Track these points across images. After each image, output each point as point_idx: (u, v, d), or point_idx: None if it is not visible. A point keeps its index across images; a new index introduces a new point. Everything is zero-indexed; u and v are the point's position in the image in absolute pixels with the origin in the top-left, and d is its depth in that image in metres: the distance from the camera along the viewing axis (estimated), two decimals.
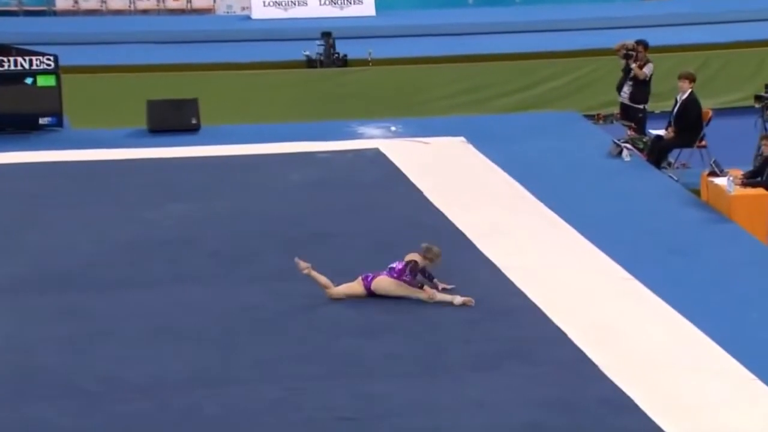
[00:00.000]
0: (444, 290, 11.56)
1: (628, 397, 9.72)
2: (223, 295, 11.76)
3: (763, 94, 16.13)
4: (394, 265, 11.52)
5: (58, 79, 17.57)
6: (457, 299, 11.34)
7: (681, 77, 16.50)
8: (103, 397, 9.74)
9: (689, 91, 16.36)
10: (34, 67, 17.50)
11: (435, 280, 11.61)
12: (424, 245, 11.57)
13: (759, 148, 15.17)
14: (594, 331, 10.95)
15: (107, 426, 9.32)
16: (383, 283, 11.46)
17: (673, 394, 9.81)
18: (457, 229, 13.53)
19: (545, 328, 11.01)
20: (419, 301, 11.37)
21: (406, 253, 11.55)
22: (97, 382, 10.00)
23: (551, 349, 10.62)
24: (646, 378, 10.07)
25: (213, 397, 9.73)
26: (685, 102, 16.37)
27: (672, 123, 16.45)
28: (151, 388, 9.90)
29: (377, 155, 16.60)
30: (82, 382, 9.99)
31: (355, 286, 11.52)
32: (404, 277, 11.43)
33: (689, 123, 16.30)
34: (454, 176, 15.74)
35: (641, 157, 16.44)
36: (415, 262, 11.45)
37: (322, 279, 11.50)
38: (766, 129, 15.51)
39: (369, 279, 11.51)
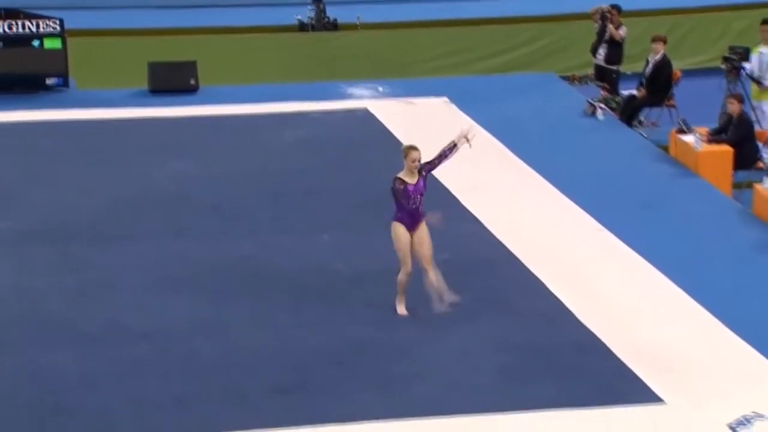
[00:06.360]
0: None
1: (601, 342, 9.75)
2: (220, 248, 11.71)
3: (728, 55, 16.03)
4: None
5: (63, 42, 17.39)
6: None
7: (655, 39, 16.39)
8: (107, 343, 9.73)
9: (662, 53, 16.26)
10: (41, 30, 17.32)
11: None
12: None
13: (724, 106, 15.12)
14: (569, 280, 10.94)
15: (111, 369, 9.32)
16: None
17: (642, 338, 9.82)
18: (441, 185, 13.45)
19: (524, 278, 11.00)
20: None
21: (392, 209, 11.24)
22: (101, 328, 9.99)
23: (529, 298, 10.61)
24: (618, 323, 10.08)
25: (211, 343, 9.73)
26: (658, 63, 16.26)
27: (644, 83, 16.37)
28: (152, 334, 9.89)
29: (366, 115, 16.51)
30: (87, 328, 9.98)
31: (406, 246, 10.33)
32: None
33: (661, 84, 16.22)
34: (438, 135, 15.53)
35: (614, 116, 16.38)
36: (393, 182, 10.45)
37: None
38: (730, 89, 15.42)
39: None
